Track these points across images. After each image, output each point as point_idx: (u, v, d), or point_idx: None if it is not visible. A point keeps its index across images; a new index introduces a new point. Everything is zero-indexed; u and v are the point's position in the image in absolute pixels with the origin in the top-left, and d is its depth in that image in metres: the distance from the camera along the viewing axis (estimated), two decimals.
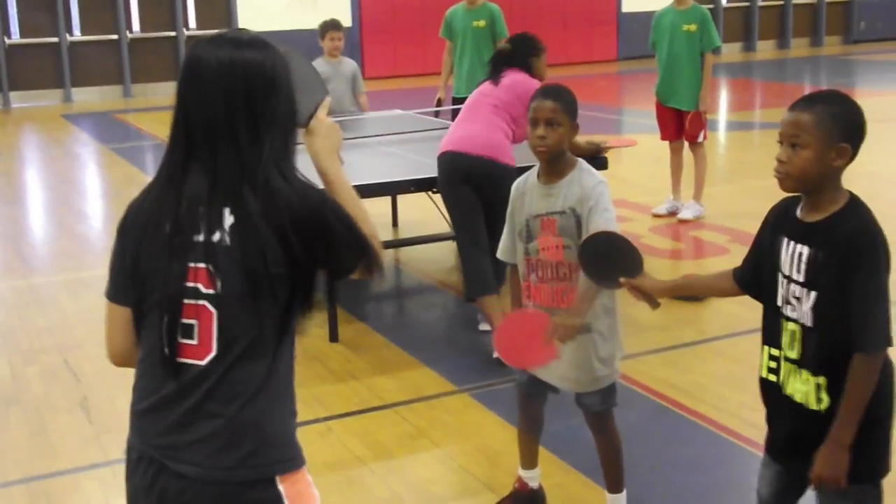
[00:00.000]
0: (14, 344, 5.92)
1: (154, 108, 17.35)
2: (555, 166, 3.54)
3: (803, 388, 2.63)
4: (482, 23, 8.36)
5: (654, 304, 3.08)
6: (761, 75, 20.60)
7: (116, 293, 2.19)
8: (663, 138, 8.56)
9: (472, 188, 5.32)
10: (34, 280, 7.35)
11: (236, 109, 2.07)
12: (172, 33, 19.47)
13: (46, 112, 17.42)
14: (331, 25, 8.13)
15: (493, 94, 5.39)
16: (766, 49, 24.99)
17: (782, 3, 25.28)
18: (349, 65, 8.29)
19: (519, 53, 5.55)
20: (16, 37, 18.54)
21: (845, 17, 26.24)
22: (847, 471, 2.57)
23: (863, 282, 2.50)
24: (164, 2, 19.41)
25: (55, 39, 18.57)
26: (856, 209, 2.58)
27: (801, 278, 2.61)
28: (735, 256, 6.37)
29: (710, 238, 7.67)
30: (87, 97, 18.85)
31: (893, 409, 2.66)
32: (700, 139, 8.33)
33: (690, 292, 2.78)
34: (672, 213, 8.41)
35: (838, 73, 20.30)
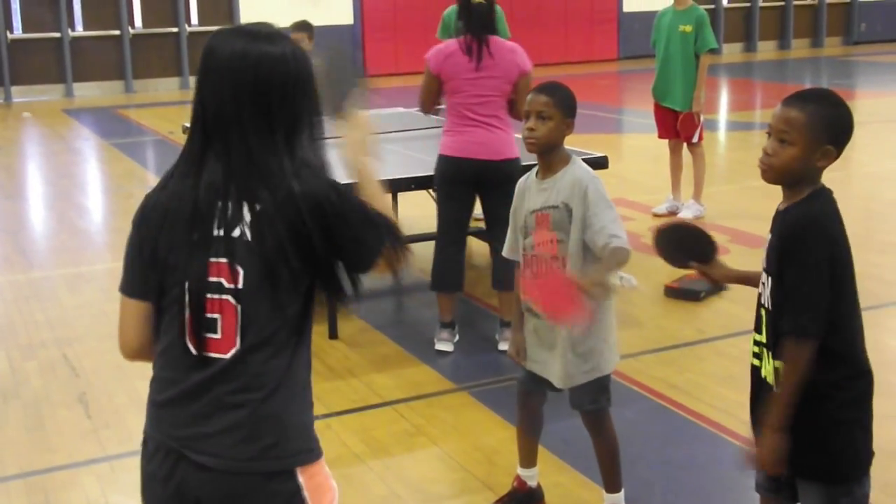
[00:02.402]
0: (13, 338, 5.92)
1: (156, 103, 17.36)
2: (548, 161, 3.55)
3: (770, 369, 2.69)
4: None
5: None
6: (762, 76, 20.59)
7: (130, 287, 2.18)
8: (660, 136, 8.58)
9: (476, 189, 5.36)
10: (34, 274, 7.35)
11: (247, 102, 2.07)
12: (174, 29, 19.46)
13: (48, 107, 17.41)
14: (298, 27, 8.07)
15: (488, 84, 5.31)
16: (766, 50, 24.98)
17: (783, 3, 25.27)
18: None
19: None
20: (18, 31, 18.55)
21: (846, 19, 26.23)
22: (826, 469, 2.64)
23: (792, 268, 2.56)
24: None
25: (57, 34, 18.57)
26: (813, 200, 2.63)
27: (764, 264, 2.70)
28: (735, 256, 6.38)
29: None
30: (89, 92, 18.85)
31: (864, 413, 2.68)
32: (695, 140, 8.33)
33: (753, 284, 2.84)
34: (672, 213, 8.41)
35: (838, 74, 20.30)
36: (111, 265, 7.58)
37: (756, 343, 2.77)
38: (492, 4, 5.35)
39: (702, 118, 8.33)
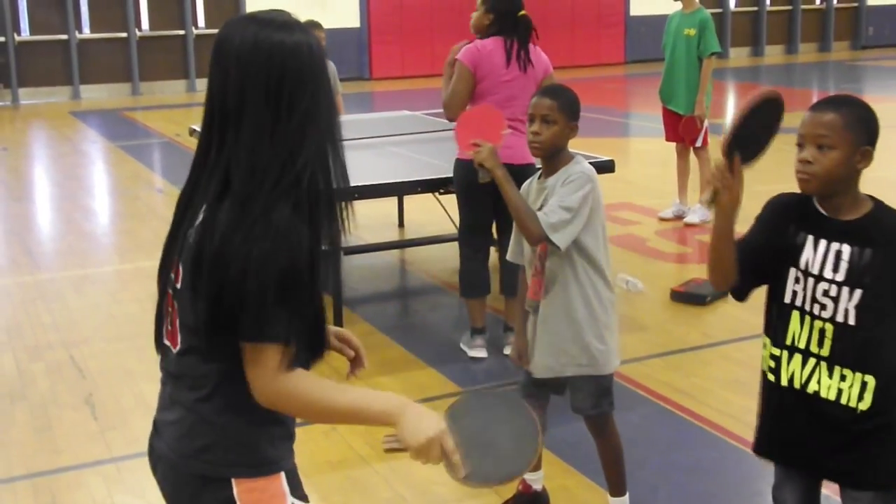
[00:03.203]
0: (20, 340, 5.93)
1: (162, 105, 17.39)
2: (550, 163, 3.56)
3: (835, 384, 2.61)
4: None
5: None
6: (769, 80, 20.56)
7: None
8: (668, 140, 8.57)
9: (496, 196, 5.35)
10: (41, 276, 7.37)
11: (253, 93, 1.95)
12: (181, 31, 19.49)
13: (55, 109, 17.45)
14: (315, 25, 8.02)
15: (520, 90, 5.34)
16: (774, 54, 24.96)
17: (790, 8, 25.26)
18: (330, 66, 8.16)
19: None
20: (26, 34, 18.58)
21: (853, 23, 26.21)
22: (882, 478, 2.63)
23: None
24: (173, 0, 19.44)
25: (65, 37, 18.60)
26: (888, 207, 2.61)
27: (839, 277, 2.58)
28: None
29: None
30: (96, 94, 18.88)
31: None
32: (699, 144, 8.33)
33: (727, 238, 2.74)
34: (678, 217, 8.41)
35: (846, 79, 20.28)
36: (118, 267, 7.60)
37: (773, 357, 2.71)
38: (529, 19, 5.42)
39: (706, 123, 8.32)
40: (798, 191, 2.67)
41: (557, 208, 3.41)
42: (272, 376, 1.95)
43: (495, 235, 5.58)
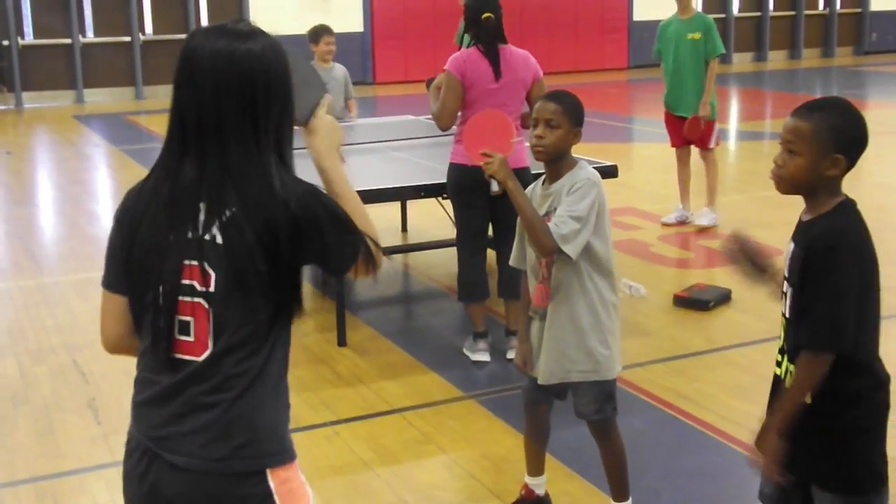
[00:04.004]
0: (23, 343, 5.93)
1: (165, 110, 17.29)
2: (554, 168, 3.55)
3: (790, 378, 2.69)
4: None
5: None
6: (772, 85, 20.57)
7: (111, 282, 2.19)
8: (673, 145, 8.56)
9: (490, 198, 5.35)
10: (43, 280, 7.37)
11: (229, 104, 2.05)
12: (184, 36, 19.43)
13: (58, 113, 17.47)
14: (325, 30, 8.05)
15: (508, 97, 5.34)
16: (777, 59, 24.96)
17: (794, 13, 25.25)
18: (341, 70, 8.21)
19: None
20: (29, 37, 18.61)
21: (857, 28, 26.20)
22: (845, 479, 2.63)
23: (815, 279, 2.56)
24: (176, 4, 19.47)
25: (68, 41, 18.63)
26: (840, 212, 2.62)
27: (786, 273, 2.69)
28: None
29: (719, 247, 7.65)
30: (99, 98, 18.91)
31: (881, 423, 2.67)
32: (712, 145, 8.34)
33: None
34: (681, 223, 8.40)
35: (849, 84, 20.27)
36: None
37: (780, 351, 2.77)
38: (500, 17, 5.36)
39: (716, 126, 8.36)
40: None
41: (568, 219, 3.41)
42: (365, 276, 2.20)
43: (494, 239, 5.59)
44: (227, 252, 2.04)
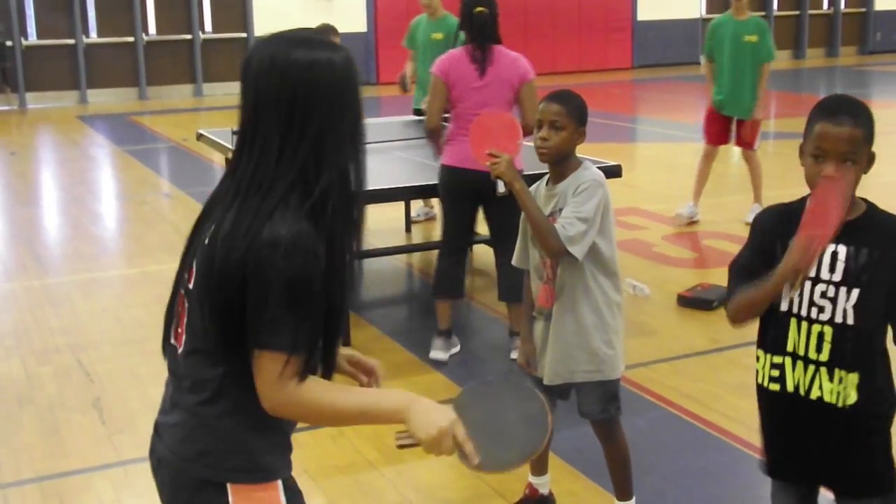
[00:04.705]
0: (28, 344, 5.94)
1: (169, 110, 17.41)
2: (558, 169, 3.55)
3: (835, 387, 2.62)
4: (440, 35, 8.01)
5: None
6: (777, 85, 20.47)
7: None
8: (711, 143, 8.66)
9: (479, 200, 5.35)
10: (48, 280, 7.38)
11: (268, 117, 1.96)
12: (188, 36, 19.53)
13: (62, 113, 17.49)
14: (330, 29, 7.97)
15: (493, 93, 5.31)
16: (781, 59, 24.86)
17: (798, 13, 25.24)
18: None
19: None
20: (33, 38, 18.63)
21: (861, 28, 26.19)
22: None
23: None
24: (179, 4, 19.48)
25: (72, 41, 18.65)
26: (879, 208, 2.62)
27: (836, 277, 2.58)
28: None
29: (724, 247, 7.65)
30: (103, 99, 18.92)
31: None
32: (756, 146, 8.53)
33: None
34: (692, 221, 8.44)
35: (853, 84, 20.25)
36: (125, 271, 7.62)
37: (775, 366, 2.75)
38: (494, 14, 5.36)
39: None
40: (795, 198, 2.69)
41: (574, 220, 3.41)
42: (277, 385, 1.94)
43: (491, 240, 5.60)
44: (203, 255, 2.02)
